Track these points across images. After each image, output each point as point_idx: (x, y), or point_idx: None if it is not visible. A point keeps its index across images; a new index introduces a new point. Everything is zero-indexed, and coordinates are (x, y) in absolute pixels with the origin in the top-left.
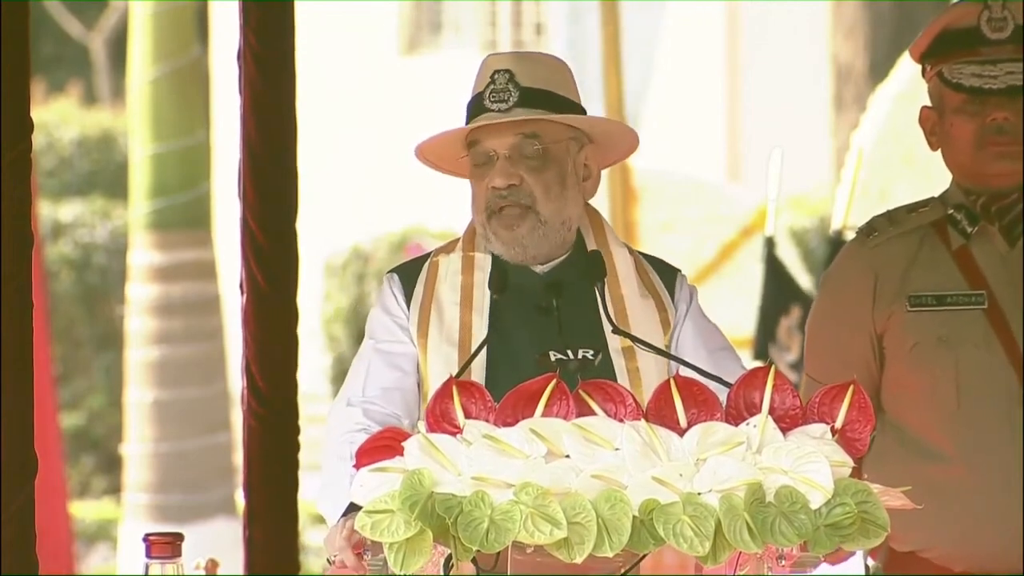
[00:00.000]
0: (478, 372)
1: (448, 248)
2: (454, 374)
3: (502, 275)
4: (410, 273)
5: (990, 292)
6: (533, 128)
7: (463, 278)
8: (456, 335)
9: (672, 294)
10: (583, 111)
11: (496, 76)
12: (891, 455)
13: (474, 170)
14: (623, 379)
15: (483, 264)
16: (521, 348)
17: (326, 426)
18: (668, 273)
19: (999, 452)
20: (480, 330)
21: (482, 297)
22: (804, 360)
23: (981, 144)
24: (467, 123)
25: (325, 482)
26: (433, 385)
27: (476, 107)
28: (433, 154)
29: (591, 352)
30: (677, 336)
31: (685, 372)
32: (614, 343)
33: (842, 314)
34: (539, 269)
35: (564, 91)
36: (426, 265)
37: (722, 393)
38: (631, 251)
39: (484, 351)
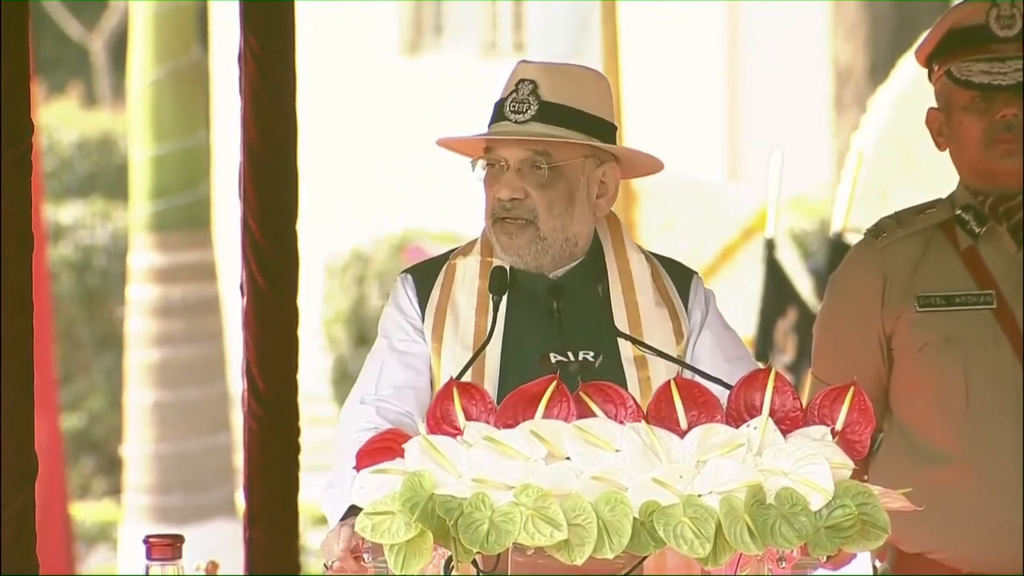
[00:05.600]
0: (491, 374)
1: (466, 251)
2: (455, 376)
3: (502, 278)
4: (426, 275)
5: (999, 292)
6: (545, 146)
7: (480, 283)
8: (471, 339)
9: (686, 301)
10: (611, 128)
11: (520, 86)
12: (899, 456)
13: (487, 174)
14: (634, 389)
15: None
16: (530, 351)
17: (338, 424)
18: (683, 278)
19: (1008, 452)
20: (493, 334)
21: (498, 302)
22: (812, 361)
23: (990, 141)
24: (489, 125)
25: (332, 480)
26: None
27: (497, 113)
28: (456, 145)
29: (591, 354)
30: (693, 346)
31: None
32: (626, 352)
33: (851, 315)
34: (551, 274)
35: (591, 107)
36: (444, 268)
37: None
38: (648, 256)
39: (498, 354)
